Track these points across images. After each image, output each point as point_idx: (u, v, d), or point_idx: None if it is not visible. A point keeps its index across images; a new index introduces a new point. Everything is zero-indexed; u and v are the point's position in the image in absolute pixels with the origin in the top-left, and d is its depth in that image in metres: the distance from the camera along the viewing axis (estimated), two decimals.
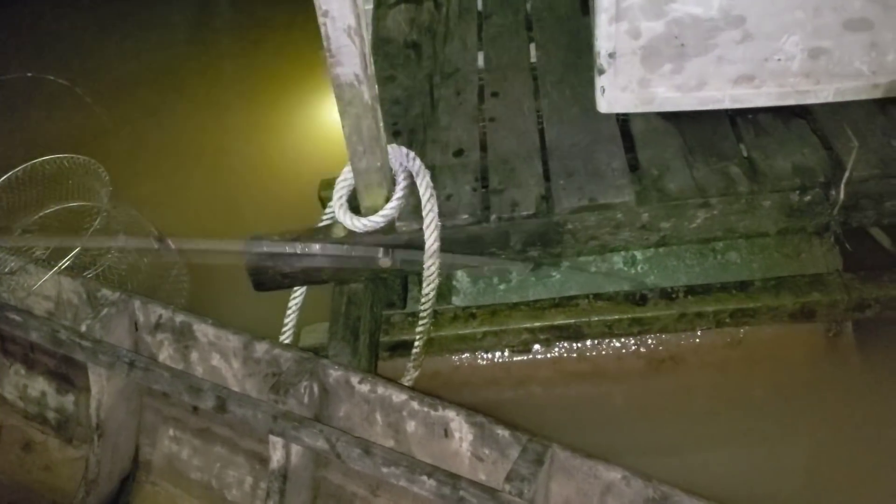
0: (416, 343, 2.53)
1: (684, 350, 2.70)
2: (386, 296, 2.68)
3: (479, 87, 2.79)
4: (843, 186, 2.24)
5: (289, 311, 2.58)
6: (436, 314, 2.66)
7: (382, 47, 2.93)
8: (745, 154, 2.39)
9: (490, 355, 2.75)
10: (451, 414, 2.02)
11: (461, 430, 2.02)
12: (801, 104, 2.42)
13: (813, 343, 2.66)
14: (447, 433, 2.04)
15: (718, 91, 2.40)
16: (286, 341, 2.58)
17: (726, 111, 2.47)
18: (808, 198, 2.27)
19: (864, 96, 2.40)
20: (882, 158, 2.29)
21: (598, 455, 1.91)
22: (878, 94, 2.40)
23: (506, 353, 2.74)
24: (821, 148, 2.36)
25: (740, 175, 2.31)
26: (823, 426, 2.56)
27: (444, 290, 2.70)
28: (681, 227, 2.34)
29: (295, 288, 2.54)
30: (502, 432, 1.96)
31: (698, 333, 2.68)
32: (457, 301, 2.76)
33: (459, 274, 2.77)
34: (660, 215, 2.31)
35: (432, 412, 2.05)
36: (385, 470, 1.88)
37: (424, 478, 1.83)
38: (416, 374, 2.59)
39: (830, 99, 2.40)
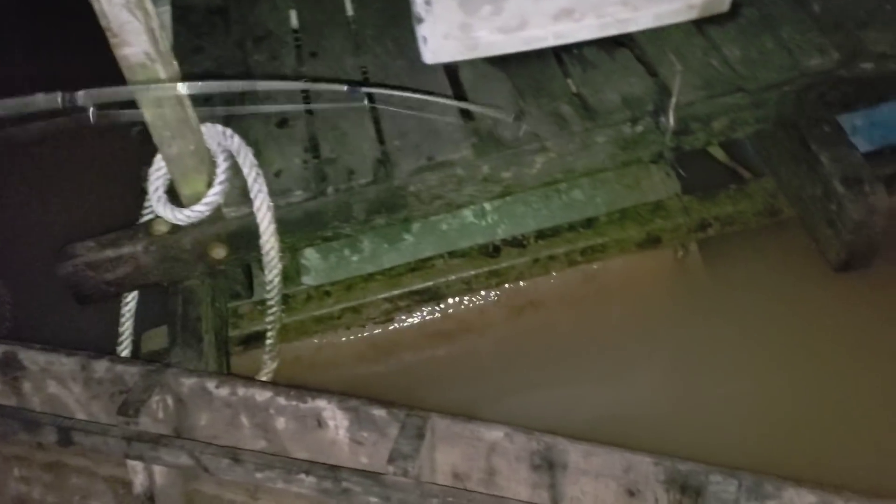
0: (269, 334, 2.38)
1: (542, 293, 2.69)
2: (228, 287, 2.49)
3: (295, 48, 2.60)
4: (671, 112, 2.25)
5: (122, 320, 2.37)
6: (287, 298, 2.51)
7: (185, 17, 2.67)
8: (574, 91, 2.36)
9: (352, 330, 2.63)
10: (321, 403, 1.94)
11: (335, 418, 1.94)
12: (623, 33, 2.41)
13: (663, 267, 2.72)
14: (321, 423, 1.96)
15: (541, 29, 2.34)
16: (125, 352, 2.38)
17: (552, 49, 2.42)
18: (639, 128, 2.27)
19: (681, 18, 2.42)
20: (705, 79, 2.32)
21: (478, 417, 1.88)
22: (694, 15, 2.42)
23: (366, 327, 2.63)
24: (647, 76, 2.36)
25: (572, 114, 2.28)
26: (680, 345, 2.64)
27: (292, 272, 2.54)
28: (521, 174, 2.29)
29: (125, 294, 2.33)
30: (378, 412, 1.91)
31: (553, 275, 2.67)
32: (308, 280, 2.60)
33: (307, 251, 2.61)
34: (500, 166, 2.25)
35: (301, 405, 1.96)
36: (259, 475, 1.80)
37: (303, 476, 1.77)
38: (275, 364, 2.44)
39: (650, 25, 2.41)
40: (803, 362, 2.54)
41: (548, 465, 1.86)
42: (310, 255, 2.62)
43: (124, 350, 2.40)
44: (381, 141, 2.28)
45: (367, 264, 2.63)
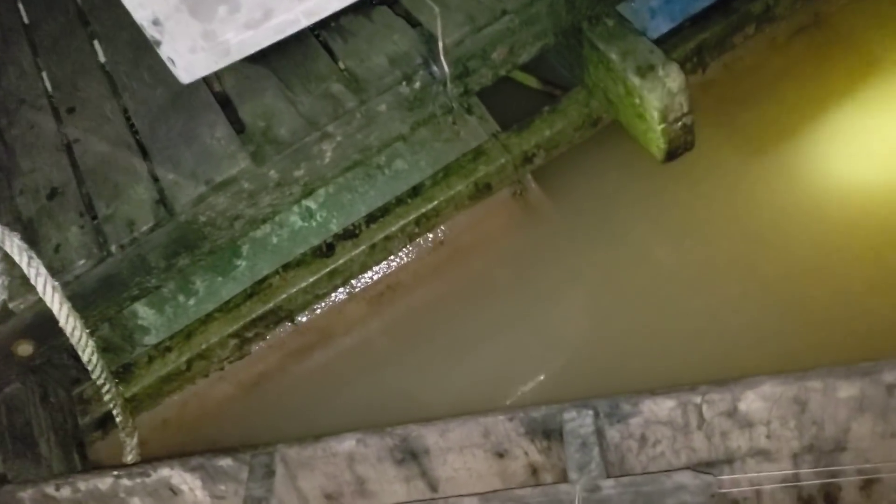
0: (115, 412, 2.22)
1: (396, 274, 2.59)
2: (63, 375, 2.33)
3: (52, 110, 2.41)
4: (443, 58, 2.13)
5: None
6: (128, 367, 2.37)
7: None
8: (342, 66, 2.22)
9: (211, 376, 2.49)
10: (166, 472, 1.86)
11: (186, 481, 1.86)
12: None
13: (507, 210, 2.63)
14: (174, 491, 1.88)
15: (288, 13, 2.16)
16: None
17: (309, 30, 2.28)
18: (416, 84, 2.15)
19: None
20: (467, 13, 2.19)
21: (329, 431, 1.82)
22: None
23: (225, 367, 2.49)
24: (409, 28, 2.23)
25: (343, 90, 2.14)
26: (547, 277, 2.55)
27: (123, 339, 2.38)
28: (316, 168, 2.16)
29: None
30: (224, 461, 1.83)
31: (401, 254, 2.56)
32: (150, 339, 2.45)
33: (140, 310, 2.45)
34: (287, 166, 2.12)
35: (147, 479, 1.87)
36: None
37: None
38: (135, 439, 2.29)
39: None
40: (662, 256, 2.49)
41: (411, 456, 1.80)
42: (144, 314, 2.45)
43: None
44: (155, 179, 2.12)
45: (207, 304, 2.47)
